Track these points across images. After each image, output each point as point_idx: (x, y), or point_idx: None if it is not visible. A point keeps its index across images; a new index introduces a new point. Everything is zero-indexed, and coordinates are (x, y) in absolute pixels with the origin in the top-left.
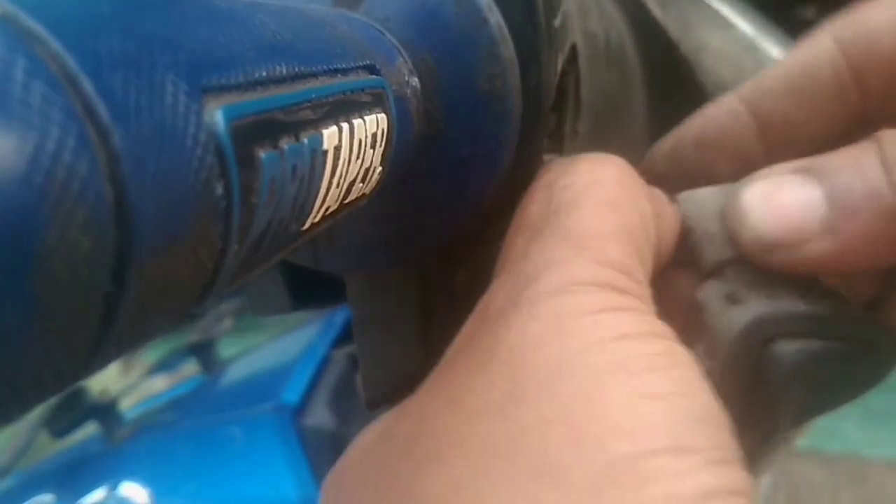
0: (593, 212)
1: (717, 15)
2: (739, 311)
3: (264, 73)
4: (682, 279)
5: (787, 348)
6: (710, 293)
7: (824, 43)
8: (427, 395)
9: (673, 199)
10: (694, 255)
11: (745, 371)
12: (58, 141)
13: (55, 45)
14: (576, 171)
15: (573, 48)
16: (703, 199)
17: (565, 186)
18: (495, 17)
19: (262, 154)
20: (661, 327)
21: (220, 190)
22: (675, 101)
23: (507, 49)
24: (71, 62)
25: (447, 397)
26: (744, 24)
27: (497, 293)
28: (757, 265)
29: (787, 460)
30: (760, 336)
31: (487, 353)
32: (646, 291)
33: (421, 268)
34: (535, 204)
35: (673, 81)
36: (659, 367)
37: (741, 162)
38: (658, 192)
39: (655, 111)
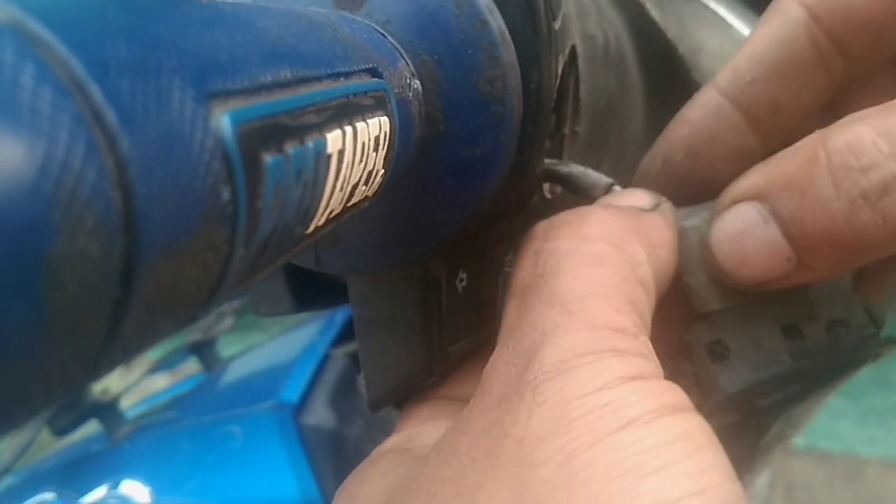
0: (577, 273)
1: (714, 16)
2: (723, 372)
3: (269, 78)
4: (672, 309)
5: (774, 398)
6: (697, 338)
7: (795, 13)
8: (434, 479)
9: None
10: (682, 294)
11: (734, 413)
12: (67, 147)
13: (63, 50)
14: (559, 234)
15: (572, 50)
16: (686, 234)
17: (550, 251)
18: (496, 20)
19: (268, 159)
20: (666, 391)
21: (226, 195)
22: (673, 102)
23: (508, 51)
24: (79, 68)
25: (459, 489)
26: (741, 26)
27: (498, 367)
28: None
29: (784, 459)
30: (748, 398)
31: (495, 445)
32: (643, 341)
33: (422, 269)
34: (523, 269)
35: (671, 82)
36: (671, 462)
37: (738, 160)
38: (654, 221)
39: (654, 112)
